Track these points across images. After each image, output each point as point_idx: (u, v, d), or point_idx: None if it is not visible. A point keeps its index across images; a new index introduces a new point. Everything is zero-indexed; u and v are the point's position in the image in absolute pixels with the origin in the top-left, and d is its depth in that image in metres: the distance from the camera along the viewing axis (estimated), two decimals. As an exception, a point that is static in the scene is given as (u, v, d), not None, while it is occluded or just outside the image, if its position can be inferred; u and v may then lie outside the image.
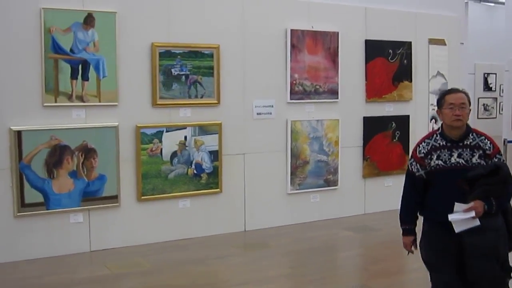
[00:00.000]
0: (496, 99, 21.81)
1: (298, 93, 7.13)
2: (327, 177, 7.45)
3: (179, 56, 6.32)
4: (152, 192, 6.28)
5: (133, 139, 6.15)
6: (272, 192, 7.09)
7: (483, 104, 21.47)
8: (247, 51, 6.80)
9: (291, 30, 7.02)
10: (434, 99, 8.23)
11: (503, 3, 18.71)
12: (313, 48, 7.21)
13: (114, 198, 6.09)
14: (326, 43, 7.31)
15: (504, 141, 9.91)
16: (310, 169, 7.29)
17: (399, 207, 4.20)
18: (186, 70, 6.36)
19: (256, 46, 6.85)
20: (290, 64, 7.04)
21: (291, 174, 7.15)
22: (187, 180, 6.46)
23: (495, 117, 21.64)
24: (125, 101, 6.09)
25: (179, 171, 6.41)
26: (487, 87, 21.14)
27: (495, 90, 21.64)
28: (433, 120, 8.47)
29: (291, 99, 7.09)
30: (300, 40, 7.09)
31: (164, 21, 6.27)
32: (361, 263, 5.96)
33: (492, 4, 20.87)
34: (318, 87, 7.28)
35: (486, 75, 20.76)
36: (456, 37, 8.72)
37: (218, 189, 6.66)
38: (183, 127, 6.40)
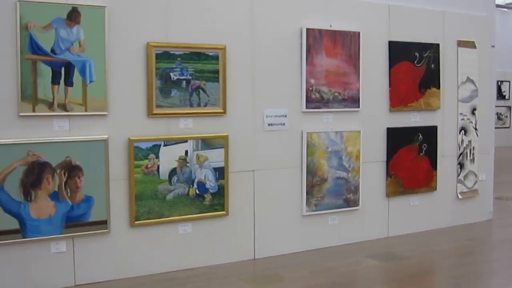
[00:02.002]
0: (510, 108, 21.10)
1: (314, 101, 6.27)
2: (347, 196, 6.58)
3: (179, 58, 5.47)
4: (147, 216, 5.41)
5: (125, 155, 5.29)
6: (285, 214, 6.22)
7: (497, 113, 20.74)
8: (257, 53, 5.94)
9: (307, 30, 6.17)
10: (463, 108, 7.40)
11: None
12: (332, 50, 6.35)
13: (103, 223, 5.21)
14: (346, 45, 6.45)
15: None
16: (328, 188, 6.42)
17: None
18: (187, 74, 5.51)
19: (267, 47, 6.00)
20: (305, 68, 6.18)
21: (306, 194, 6.28)
22: (188, 201, 5.59)
23: (509, 127, 20.96)
24: (115, 110, 5.24)
25: (179, 191, 5.54)
26: (500, 95, 20.43)
27: (509, 99, 20.93)
28: (463, 131, 7.60)
29: (307, 108, 6.23)
30: (317, 41, 6.24)
31: (162, 18, 5.42)
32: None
33: (505, 10, 20.16)
34: (337, 94, 6.42)
35: (499, 82, 20.04)
36: (487, 39, 7.87)
37: (224, 212, 5.79)
38: (184, 141, 5.54)
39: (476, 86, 7.71)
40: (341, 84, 6.43)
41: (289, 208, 6.25)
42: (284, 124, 6.14)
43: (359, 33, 6.52)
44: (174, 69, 5.46)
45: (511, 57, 17.61)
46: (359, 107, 6.58)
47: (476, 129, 7.75)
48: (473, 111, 7.70)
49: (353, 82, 6.52)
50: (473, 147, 7.75)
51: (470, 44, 7.63)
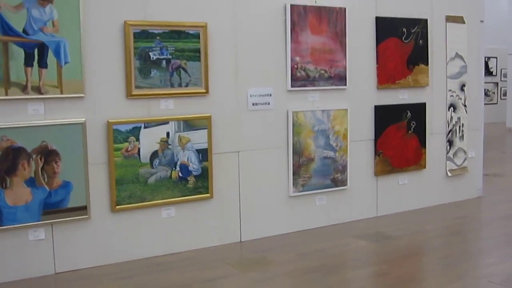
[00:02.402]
0: (497, 84, 21.01)
1: (300, 79, 6.10)
2: (335, 176, 6.44)
3: (158, 37, 5.28)
4: (129, 201, 5.25)
5: (104, 138, 5.12)
6: (271, 195, 6.08)
7: (484, 90, 20.57)
8: (240, 31, 5.76)
9: (291, 6, 5.98)
10: (452, 85, 7.26)
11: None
12: (317, 27, 6.17)
13: (83, 209, 5.05)
14: (332, 21, 6.26)
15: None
16: (315, 168, 6.28)
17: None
18: (167, 53, 5.32)
19: (250, 24, 5.82)
20: (290, 46, 6.00)
21: (293, 174, 6.14)
22: (171, 185, 5.43)
23: (496, 103, 20.87)
24: (93, 92, 5.05)
25: (161, 175, 5.38)
26: (487, 71, 20.31)
27: (496, 75, 20.83)
28: (452, 108, 7.46)
29: (292, 86, 6.06)
30: (301, 18, 6.05)
31: (139, -5, 5.23)
32: (384, 286, 4.91)
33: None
34: (323, 72, 6.25)
35: (487, 59, 19.91)
36: (476, 14, 7.71)
37: (208, 194, 5.64)
38: (165, 122, 5.37)
39: (465, 62, 7.56)
40: (327, 62, 6.26)
41: (276, 189, 6.11)
42: (269, 103, 5.98)
43: (345, 9, 6.34)
44: (154, 49, 5.27)
45: (498, 33, 17.45)
46: (346, 85, 6.43)
47: (465, 105, 7.62)
48: (462, 87, 7.56)
49: (339, 60, 6.35)
50: (462, 124, 7.63)
51: (459, 19, 7.46)
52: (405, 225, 6.50)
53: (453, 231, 6.34)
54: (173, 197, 5.47)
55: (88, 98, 5.02)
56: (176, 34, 5.36)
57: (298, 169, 6.17)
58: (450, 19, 7.36)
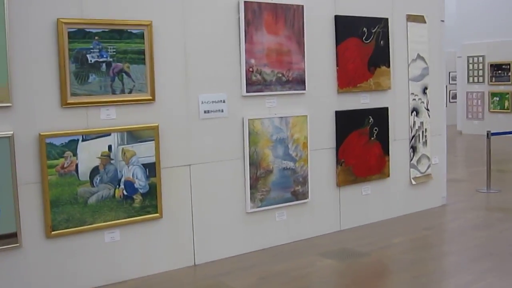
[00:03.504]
0: (446, 87, 21.06)
1: (256, 83, 5.56)
2: (295, 188, 5.92)
3: (97, 37, 4.65)
4: (66, 225, 4.59)
5: (35, 153, 4.46)
6: (227, 212, 5.51)
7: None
8: (190, 30, 5.18)
9: (245, 3, 5.45)
10: (414, 87, 6.86)
11: (453, -13, 17.84)
12: (273, 25, 5.65)
13: (12, 236, 4.37)
14: (289, 20, 5.75)
15: (487, 134, 8.57)
16: (274, 180, 5.74)
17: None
18: (107, 56, 4.70)
19: (201, 23, 5.25)
20: (245, 47, 5.46)
21: (250, 188, 5.58)
22: (114, 205, 4.80)
23: (446, 106, 20.90)
24: (21, 101, 4.39)
25: (103, 194, 4.75)
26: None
27: (444, 77, 20.84)
28: (414, 112, 7.05)
29: (247, 91, 5.51)
30: (256, 16, 5.52)
31: (74, -10, 4.59)
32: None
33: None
34: (280, 75, 5.73)
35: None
36: (437, 13, 7.35)
37: (157, 214, 5.03)
38: (106, 134, 4.74)
39: (427, 63, 7.18)
40: (284, 64, 5.74)
41: (232, 205, 5.54)
42: (222, 110, 5.41)
43: (302, 6, 5.84)
44: (92, 50, 4.64)
45: (446, 36, 17.31)
46: (305, 89, 5.92)
47: (428, 109, 7.23)
48: (424, 90, 7.16)
49: (297, 62, 5.84)
50: (425, 129, 7.23)
51: (420, 19, 7.08)
52: (371, 239, 6.03)
53: (422, 245, 5.90)
54: (117, 219, 4.83)
55: (15, 107, 4.35)
56: (117, 33, 4.74)
57: (256, 182, 5.62)
58: (411, 18, 6.96)
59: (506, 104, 16.15)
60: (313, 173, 6.05)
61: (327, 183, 6.25)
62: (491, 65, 16.26)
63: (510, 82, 15.92)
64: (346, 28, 6.26)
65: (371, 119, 6.53)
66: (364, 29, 6.41)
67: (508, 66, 15.90)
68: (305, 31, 5.86)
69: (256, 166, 5.61)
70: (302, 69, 5.87)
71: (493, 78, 16.33)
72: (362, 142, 6.49)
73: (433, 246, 5.92)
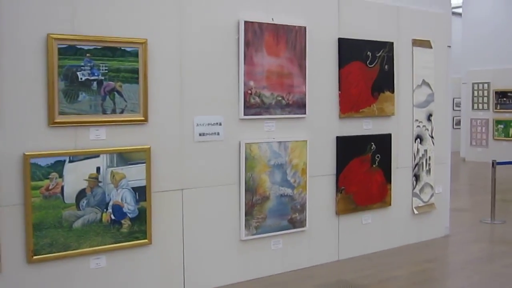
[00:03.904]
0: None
1: (254, 106, 5.35)
2: (293, 216, 5.68)
3: (88, 54, 4.45)
4: (49, 249, 4.36)
5: (19, 174, 4.24)
6: (220, 239, 5.28)
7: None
8: (186, 50, 4.99)
9: (245, 23, 5.25)
10: (419, 114, 6.64)
11: (459, 14, 17.69)
12: (274, 47, 5.45)
13: (-9, 260, 4.14)
14: (291, 41, 5.56)
15: (492, 163, 8.34)
16: (270, 207, 5.51)
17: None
18: (98, 74, 4.50)
19: (198, 42, 5.05)
20: (244, 68, 5.26)
21: (245, 215, 5.36)
22: (101, 229, 4.57)
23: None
24: (6, 119, 4.18)
25: (90, 218, 4.52)
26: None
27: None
28: (418, 139, 6.83)
29: (245, 114, 5.31)
30: (257, 36, 5.33)
31: (67, 4, 4.39)
32: None
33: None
34: (280, 98, 5.52)
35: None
36: (443, 38, 7.16)
37: (146, 240, 4.79)
38: (95, 155, 4.52)
39: (432, 89, 6.97)
40: (284, 87, 5.54)
41: (225, 232, 5.31)
42: (218, 133, 5.20)
43: (305, 28, 5.65)
44: (83, 68, 4.44)
45: (451, 62, 17.15)
46: (305, 113, 5.71)
47: (432, 137, 7.01)
48: (429, 117, 6.95)
49: (298, 85, 5.64)
50: (429, 157, 7.01)
51: (426, 44, 6.88)
52: (370, 271, 5.79)
53: (423, 279, 5.65)
54: (104, 244, 4.60)
55: (0, 126, 4.14)
56: (110, 51, 4.54)
57: (251, 209, 5.39)
58: (417, 43, 6.76)
59: (511, 132, 15.92)
60: (311, 200, 5.82)
61: (326, 211, 6.02)
62: (496, 92, 16.07)
63: (515, 110, 15.73)
64: (350, 51, 6.07)
65: (373, 145, 6.31)
66: (368, 53, 6.22)
67: (514, 94, 15.71)
68: (307, 54, 5.67)
69: (252, 192, 5.38)
70: (303, 92, 5.67)
71: (498, 106, 16.12)
72: (364, 169, 6.26)
73: (435, 280, 5.67)
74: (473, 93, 16.73)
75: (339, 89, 6.02)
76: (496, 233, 7.58)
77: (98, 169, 4.54)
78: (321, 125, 5.91)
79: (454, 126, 20.50)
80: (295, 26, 5.58)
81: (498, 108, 16.08)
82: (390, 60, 6.43)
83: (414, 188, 6.85)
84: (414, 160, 6.83)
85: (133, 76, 4.65)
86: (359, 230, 6.33)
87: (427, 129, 6.93)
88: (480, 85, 16.54)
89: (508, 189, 10.88)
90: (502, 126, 16.08)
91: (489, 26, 16.29)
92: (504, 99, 15.98)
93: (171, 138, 4.93)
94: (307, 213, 5.78)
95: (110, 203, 4.61)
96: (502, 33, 15.91)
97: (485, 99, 16.46)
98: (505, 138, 15.99)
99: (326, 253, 6.06)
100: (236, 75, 5.26)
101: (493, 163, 8.37)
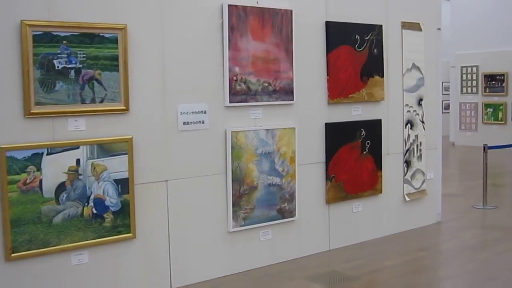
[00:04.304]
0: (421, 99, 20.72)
1: (240, 93, 5.17)
2: (282, 206, 5.52)
3: (65, 41, 4.25)
4: (28, 246, 4.18)
5: (-6, 168, 4.04)
6: (207, 231, 5.11)
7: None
8: (168, 35, 4.79)
9: (229, 6, 5.06)
10: (409, 99, 6.49)
11: (447, -3, 17.55)
12: (260, 31, 5.27)
13: (-34, 259, 3.96)
14: (277, 25, 5.38)
15: (484, 147, 8.22)
16: (258, 197, 5.35)
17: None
18: (76, 61, 4.30)
19: (181, 27, 4.86)
20: (228, 54, 5.08)
21: (233, 206, 5.19)
22: (82, 224, 4.39)
23: (439, 117, 20.61)
24: (-22, 110, 3.98)
25: (70, 212, 4.34)
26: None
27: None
28: (409, 124, 6.68)
29: (230, 101, 5.13)
30: (241, 21, 5.14)
31: (40, -11, 4.19)
32: None
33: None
34: (266, 85, 5.34)
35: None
36: (433, 20, 6.99)
37: (130, 234, 4.62)
38: (74, 147, 4.33)
39: (422, 73, 6.82)
40: (271, 73, 5.36)
41: (212, 224, 5.14)
42: (203, 122, 5.02)
43: (291, 11, 5.46)
44: (59, 56, 4.23)
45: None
46: (293, 99, 5.54)
47: (423, 122, 6.86)
48: (419, 101, 6.80)
49: (285, 70, 5.46)
50: (420, 143, 6.86)
51: (415, 26, 6.72)
52: (362, 261, 5.65)
53: (416, 268, 5.52)
54: (86, 239, 4.42)
55: (-29, 118, 3.95)
56: (88, 37, 4.34)
57: (239, 199, 5.22)
58: (406, 25, 6.60)
59: (500, 115, 15.84)
60: (301, 189, 5.66)
61: (315, 200, 5.87)
62: (485, 76, 15.96)
63: (504, 93, 15.61)
64: (338, 35, 5.89)
65: (363, 132, 6.16)
66: (357, 36, 6.04)
67: (502, 77, 15.60)
68: (293, 38, 5.49)
69: (239, 182, 5.22)
70: (290, 78, 5.50)
71: (487, 89, 16.02)
72: (354, 156, 6.11)
73: (428, 269, 5.54)
74: (461, 76, 16.61)
75: (328, 74, 5.85)
76: (489, 218, 7.47)
77: (78, 161, 4.35)
78: (309, 112, 5.74)
79: (443, 111, 20.38)
80: (280, 9, 5.39)
81: (487, 91, 15.98)
82: (379, 43, 6.26)
83: (405, 175, 6.71)
84: (405, 146, 6.68)
85: (112, 63, 4.45)
86: (349, 219, 6.18)
87: (418, 114, 6.79)
88: (469, 69, 16.42)
89: (498, 173, 10.79)
90: (491, 109, 15.99)
91: (477, 9, 16.15)
92: (493, 82, 15.87)
93: (154, 128, 4.75)
94: (296, 203, 5.62)
95: (92, 197, 4.43)
96: (490, 16, 15.77)
97: (474, 83, 16.35)
98: (494, 122, 15.90)
99: (316, 243, 5.91)
100: (220, 61, 5.07)
101: (484, 147, 8.26)
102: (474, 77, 16.32)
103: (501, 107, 15.71)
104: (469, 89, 16.55)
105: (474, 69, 16.25)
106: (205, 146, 5.05)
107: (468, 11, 16.22)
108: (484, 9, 16.02)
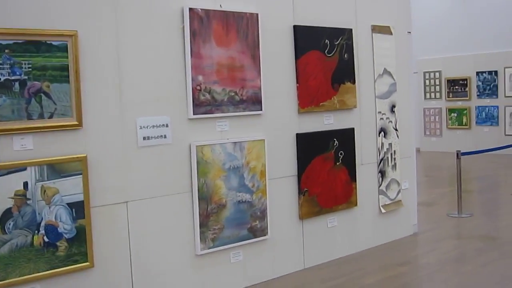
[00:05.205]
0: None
1: (204, 104, 4.77)
2: (253, 224, 5.13)
3: (7, 50, 3.80)
4: (-30, 282, 3.70)
5: None
6: (173, 256, 4.69)
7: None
8: (124, 42, 4.37)
9: (190, 10, 4.66)
10: (381, 105, 6.18)
11: None
12: (224, 37, 4.88)
13: None
14: (242, 30, 5.00)
15: (457, 153, 7.97)
16: (228, 216, 4.95)
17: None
18: (21, 73, 3.84)
19: (138, 34, 4.44)
20: (190, 62, 4.67)
21: (200, 226, 4.77)
22: (33, 254, 3.93)
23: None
24: None
25: (19, 242, 3.87)
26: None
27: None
28: (382, 132, 6.37)
29: (194, 113, 4.72)
30: (204, 25, 4.74)
31: (-23, -8, 3.73)
32: None
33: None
34: (233, 94, 4.96)
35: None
36: (403, 24, 6.71)
37: (87, 263, 4.17)
38: (21, 168, 3.87)
39: (394, 79, 6.52)
40: (237, 81, 4.98)
41: (178, 248, 4.71)
42: (165, 136, 4.60)
43: (257, 15, 5.10)
44: (1, 66, 3.77)
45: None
46: (261, 109, 5.17)
47: (396, 129, 6.56)
48: (392, 108, 6.50)
49: (252, 79, 5.08)
50: (394, 151, 6.55)
51: (386, 30, 6.42)
52: (339, 279, 5.29)
53: (399, 286, 5.17)
54: (37, 271, 3.95)
55: None
56: (34, 46, 3.89)
57: (206, 219, 4.81)
58: (376, 29, 6.29)
59: (464, 120, 15.74)
60: (272, 205, 5.28)
61: (288, 216, 5.49)
62: (448, 81, 15.87)
63: (467, 98, 15.53)
64: (307, 39, 5.54)
65: (336, 141, 5.81)
66: (327, 41, 5.71)
67: (465, 82, 15.52)
68: (260, 43, 5.12)
69: (207, 201, 4.80)
70: (257, 86, 5.12)
71: (451, 94, 15.92)
72: (327, 168, 5.76)
73: (412, 286, 5.20)
74: (424, 82, 16.49)
75: (297, 82, 5.49)
76: (466, 227, 7.20)
77: (25, 184, 3.88)
78: (279, 122, 5.38)
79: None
80: (246, 13, 5.02)
81: (450, 96, 15.88)
82: (350, 48, 5.94)
83: (380, 186, 6.38)
84: (379, 155, 6.36)
85: (62, 74, 4.01)
86: (324, 235, 5.82)
87: (391, 121, 6.48)
88: (432, 74, 16.31)
89: (468, 179, 10.57)
90: (455, 114, 15.89)
91: (437, 14, 16.05)
92: (456, 87, 15.78)
93: (111, 144, 4.30)
94: (268, 220, 5.24)
95: (42, 223, 3.96)
96: (451, 21, 15.69)
97: (437, 88, 16.24)
98: (459, 127, 15.80)
99: (290, 262, 5.53)
100: (182, 70, 4.66)
101: (457, 153, 8.03)
102: (437, 82, 16.22)
103: (465, 112, 15.62)
104: (432, 94, 16.43)
105: (437, 74, 16.15)
106: (168, 163, 4.62)
107: (428, 16, 16.09)
108: (444, 13, 15.94)
